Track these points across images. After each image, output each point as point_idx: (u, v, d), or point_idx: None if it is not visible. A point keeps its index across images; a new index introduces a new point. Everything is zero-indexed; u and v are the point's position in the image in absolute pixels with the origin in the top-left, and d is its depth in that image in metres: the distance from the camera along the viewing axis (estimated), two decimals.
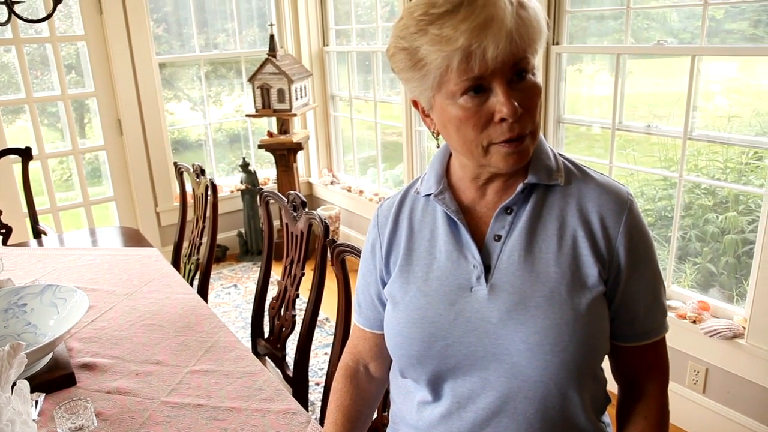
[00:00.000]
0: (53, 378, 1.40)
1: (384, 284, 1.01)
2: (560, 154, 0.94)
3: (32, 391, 1.27)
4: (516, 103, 0.79)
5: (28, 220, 2.86)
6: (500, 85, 0.79)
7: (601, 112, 2.84)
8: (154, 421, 1.29)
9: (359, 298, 1.09)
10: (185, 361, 1.51)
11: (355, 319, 1.11)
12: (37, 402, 1.30)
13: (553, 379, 0.84)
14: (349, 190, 4.24)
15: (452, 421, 0.91)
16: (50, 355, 1.47)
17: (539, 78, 0.83)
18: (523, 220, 0.89)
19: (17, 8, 1.57)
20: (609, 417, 1.02)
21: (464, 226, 0.91)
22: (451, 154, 0.97)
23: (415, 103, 0.90)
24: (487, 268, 0.89)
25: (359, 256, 1.48)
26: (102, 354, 1.55)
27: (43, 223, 2.88)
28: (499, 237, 0.90)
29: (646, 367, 0.97)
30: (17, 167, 3.05)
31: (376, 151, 4.09)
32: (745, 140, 2.27)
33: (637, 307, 0.91)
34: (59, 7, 2.07)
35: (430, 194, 0.95)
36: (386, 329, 0.98)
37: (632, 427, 0.97)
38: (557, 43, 2.59)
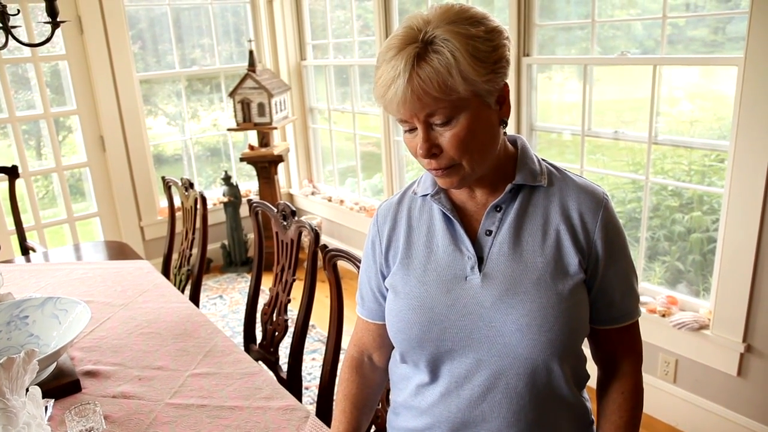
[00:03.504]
0: (60, 385, 1.46)
1: (384, 277, 1.11)
2: (543, 159, 1.06)
3: (41, 397, 1.33)
4: (429, 144, 0.92)
5: (13, 238, 2.90)
6: (419, 127, 0.92)
7: (572, 119, 2.96)
8: (160, 421, 1.36)
9: (362, 291, 1.18)
10: (186, 365, 1.58)
11: (359, 312, 1.20)
12: (47, 407, 1.36)
13: (541, 356, 0.95)
14: (329, 200, 4.33)
15: (450, 399, 1.02)
16: (55, 364, 1.53)
17: (467, 120, 0.91)
18: (511, 217, 1.00)
19: (15, 31, 1.64)
20: (587, 394, 1.13)
21: (459, 222, 1.02)
22: None
23: None
24: (480, 260, 1.00)
25: (350, 261, 1.58)
26: (104, 362, 1.61)
27: (29, 240, 2.91)
28: (490, 232, 1.01)
29: (622, 348, 1.08)
30: (2, 185, 3.07)
31: (355, 161, 4.19)
32: (707, 143, 2.41)
33: (614, 293, 1.03)
34: (40, 27, 2.12)
35: (426, 194, 1.06)
36: (388, 316, 1.07)
37: (610, 402, 1.09)
38: (527, 55, 2.73)
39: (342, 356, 3.17)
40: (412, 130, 0.94)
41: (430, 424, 1.05)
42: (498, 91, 0.93)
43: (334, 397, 1.22)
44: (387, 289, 1.10)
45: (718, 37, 2.45)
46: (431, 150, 0.92)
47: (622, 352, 1.09)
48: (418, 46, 0.87)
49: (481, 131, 0.92)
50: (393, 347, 1.19)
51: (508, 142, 1.04)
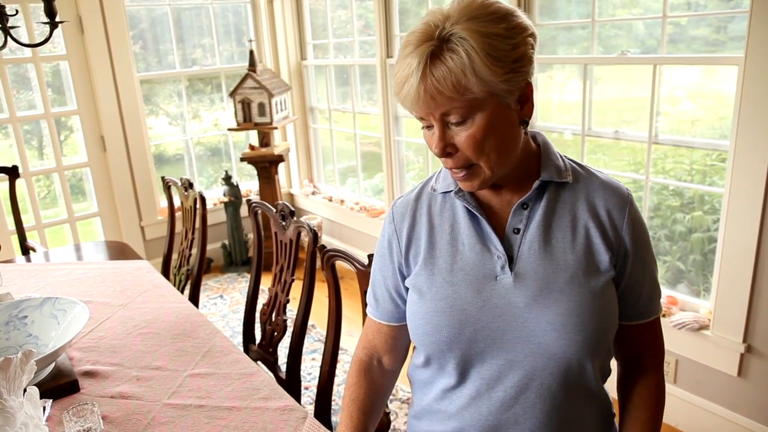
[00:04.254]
0: (58, 385, 1.46)
1: (403, 277, 1.08)
2: (564, 155, 1.04)
3: (39, 397, 1.33)
4: (444, 143, 0.90)
5: (14, 238, 2.90)
6: (435, 126, 0.91)
7: (572, 119, 2.96)
8: (158, 421, 1.36)
9: (375, 293, 1.15)
10: (184, 366, 1.58)
11: (371, 314, 1.16)
12: (45, 408, 1.36)
13: (576, 355, 0.94)
14: (330, 200, 4.32)
15: (481, 402, 0.99)
16: (53, 365, 1.53)
17: (483, 120, 0.88)
18: (540, 214, 0.98)
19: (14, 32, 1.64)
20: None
21: (485, 220, 0.99)
22: None
23: None
24: (509, 258, 0.98)
25: (349, 261, 1.58)
26: (102, 362, 1.61)
27: (29, 239, 2.91)
28: (518, 230, 0.99)
29: (646, 344, 1.08)
30: (2, 185, 3.08)
31: (355, 161, 4.19)
32: (708, 143, 2.41)
33: (641, 289, 1.03)
34: (41, 28, 2.13)
35: (448, 192, 1.04)
36: (412, 318, 1.04)
37: (635, 397, 1.08)
38: None
39: (341, 356, 3.18)
40: (430, 127, 0.92)
41: (458, 429, 1.03)
42: (519, 90, 0.90)
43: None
44: (406, 290, 1.07)
45: (720, 37, 2.45)
46: (446, 149, 0.91)
47: (645, 347, 1.08)
48: (434, 44, 0.85)
49: (498, 132, 0.90)
50: (405, 350, 1.18)
51: (529, 139, 1.02)
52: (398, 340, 1.14)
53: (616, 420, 1.12)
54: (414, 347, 1.15)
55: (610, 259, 0.97)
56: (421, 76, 0.85)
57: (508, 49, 0.85)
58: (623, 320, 1.04)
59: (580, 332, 0.93)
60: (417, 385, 1.13)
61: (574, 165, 1.03)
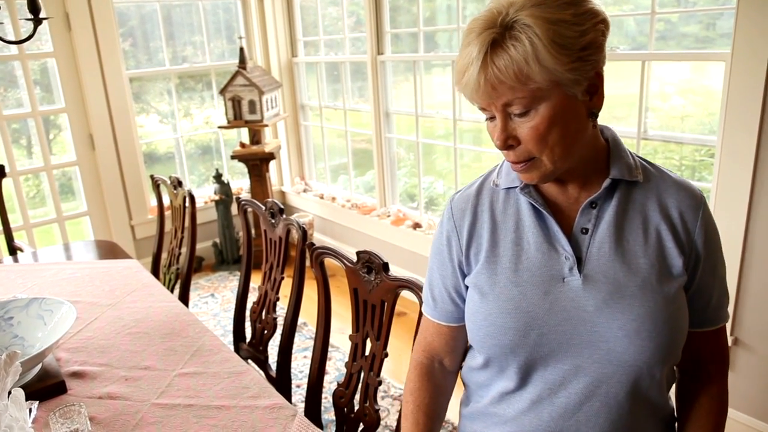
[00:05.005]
0: (45, 386, 1.45)
1: (464, 276, 1.04)
2: (635, 153, 0.99)
3: (25, 399, 1.32)
4: (505, 135, 0.87)
5: (1, 238, 2.87)
6: (497, 116, 0.87)
7: None
8: (146, 422, 1.35)
9: (433, 293, 1.09)
10: (173, 365, 1.57)
11: (429, 314, 1.11)
12: (31, 410, 1.35)
13: (647, 362, 0.90)
14: (321, 198, 4.32)
15: (542, 407, 0.95)
16: (40, 366, 1.52)
17: (547, 111, 0.85)
18: (610, 214, 0.93)
19: None
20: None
21: (553, 218, 0.95)
22: None
23: None
24: (578, 260, 0.93)
25: (338, 258, 1.57)
26: (90, 362, 1.60)
27: (17, 239, 2.89)
28: (586, 230, 0.94)
29: (711, 352, 1.04)
30: None
31: (346, 158, 4.18)
32: (696, 139, 2.41)
33: (710, 295, 0.99)
34: (28, 24, 2.10)
35: (512, 187, 0.99)
36: (473, 319, 1.00)
37: (698, 407, 1.04)
38: None
39: (332, 353, 3.17)
40: (492, 118, 0.89)
41: None
42: (587, 80, 0.85)
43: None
44: (466, 288, 1.03)
45: (710, 33, 2.45)
46: (507, 141, 0.87)
47: (710, 355, 1.04)
48: (496, 31, 0.81)
49: (563, 124, 0.85)
50: (464, 349, 1.14)
51: (598, 133, 0.97)
52: (458, 341, 1.10)
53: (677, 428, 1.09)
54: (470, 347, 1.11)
55: (683, 263, 0.93)
56: (481, 64, 0.81)
57: (576, 36, 0.81)
58: (690, 327, 0.99)
59: (653, 339, 0.89)
60: (472, 387, 1.10)
61: (644, 163, 0.98)
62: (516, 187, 0.98)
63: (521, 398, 0.98)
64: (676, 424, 1.07)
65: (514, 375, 0.97)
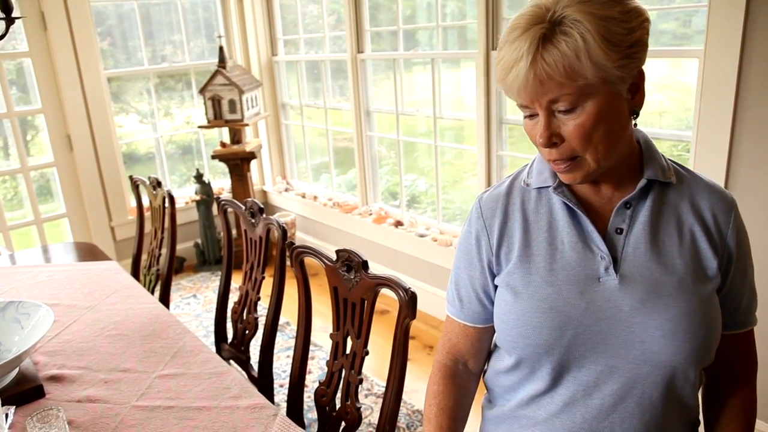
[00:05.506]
0: (22, 391, 1.43)
1: (493, 276, 1.03)
2: (666, 156, 0.99)
3: (2, 404, 1.30)
4: (549, 132, 0.86)
5: None
6: (540, 114, 0.86)
7: None
8: (126, 424, 1.34)
9: (460, 293, 1.08)
10: (153, 367, 1.56)
11: (455, 315, 1.10)
12: (7, 415, 1.33)
13: (683, 363, 0.90)
14: (303, 197, 4.31)
15: (576, 409, 0.94)
16: (17, 370, 1.50)
17: (594, 108, 0.84)
18: (645, 215, 0.94)
19: None
20: None
21: (587, 218, 0.94)
22: None
23: None
24: (613, 260, 0.93)
25: (318, 257, 1.57)
26: (69, 366, 1.58)
27: None
28: (621, 230, 0.94)
29: (740, 354, 1.04)
30: None
31: (328, 157, 4.17)
32: (674, 134, 2.44)
33: (741, 298, 0.99)
34: (2, 24, 2.07)
35: (544, 187, 0.99)
36: (504, 319, 0.98)
37: (728, 410, 1.05)
38: (496, 48, 2.73)
39: (315, 353, 3.16)
40: (533, 116, 0.88)
41: None
42: (631, 78, 0.85)
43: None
44: (495, 289, 1.02)
45: (687, 30, 2.49)
46: (552, 139, 0.86)
47: (740, 358, 1.04)
48: (545, 27, 0.81)
49: (608, 122, 0.85)
50: (488, 351, 1.12)
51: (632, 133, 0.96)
52: (484, 342, 1.09)
53: (701, 429, 1.08)
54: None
55: (718, 265, 0.93)
56: (531, 60, 0.81)
57: (624, 33, 0.81)
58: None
59: (690, 340, 0.89)
60: (498, 391, 1.08)
61: (675, 166, 0.98)
62: (549, 186, 0.98)
63: (553, 400, 0.97)
64: (702, 427, 1.07)
65: (546, 376, 0.96)
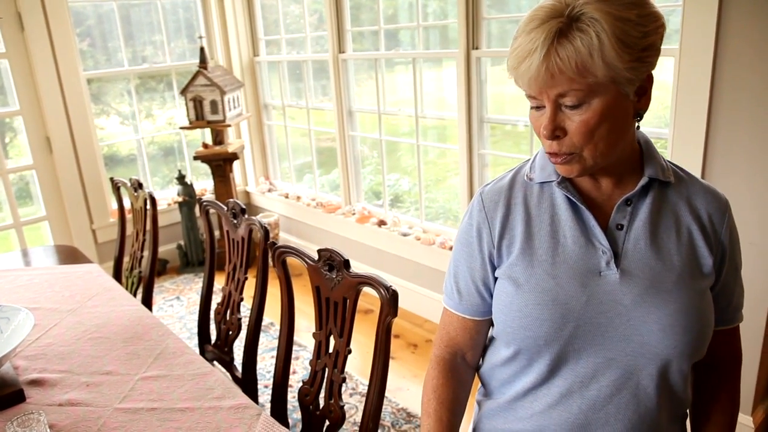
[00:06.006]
0: (2, 395, 1.42)
1: (493, 268, 1.03)
2: (663, 157, 1.01)
3: None
4: (554, 125, 0.88)
5: None
6: (547, 106, 0.88)
7: (525, 111, 3.02)
8: (109, 427, 1.34)
9: (459, 286, 1.08)
10: (136, 369, 1.56)
11: (453, 308, 1.10)
12: None
13: (678, 357, 0.93)
14: (286, 197, 4.30)
15: (572, 401, 0.96)
16: None
17: (600, 106, 0.86)
18: (644, 212, 0.96)
19: None
20: None
21: (590, 213, 0.96)
22: None
23: None
24: (614, 254, 0.95)
25: (300, 257, 1.58)
26: (50, 369, 1.57)
27: None
28: (621, 226, 0.96)
29: (727, 350, 1.08)
30: None
31: (311, 157, 4.17)
32: (652, 132, 2.48)
33: (732, 295, 1.03)
34: None
35: (548, 181, 1.00)
36: (505, 311, 1.00)
37: (714, 402, 1.09)
38: (476, 48, 2.76)
39: (299, 353, 3.16)
40: (540, 108, 0.90)
41: (543, 427, 1.00)
42: (640, 81, 0.87)
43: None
44: (495, 281, 1.04)
45: (666, 30, 2.52)
46: (555, 132, 0.88)
47: (726, 353, 1.08)
48: (563, 21, 0.82)
49: (612, 121, 0.87)
50: (484, 343, 1.13)
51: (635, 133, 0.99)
52: (482, 335, 1.10)
53: (690, 423, 1.12)
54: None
55: (713, 263, 0.97)
56: (545, 53, 0.82)
57: (639, 37, 0.82)
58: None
59: (686, 334, 0.92)
60: (493, 384, 1.10)
61: (673, 166, 1.01)
62: (552, 181, 1.00)
63: (549, 392, 0.99)
64: (688, 420, 1.11)
65: (543, 368, 0.98)
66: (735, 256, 1.02)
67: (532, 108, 0.92)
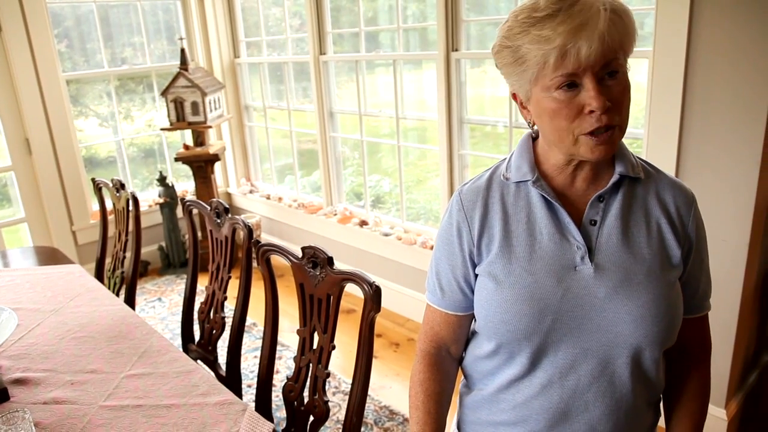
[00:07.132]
0: None
1: (474, 265, 1.07)
2: (633, 154, 1.05)
3: None
4: (604, 98, 0.90)
5: None
6: (591, 81, 0.89)
7: (503, 112, 3.07)
8: (94, 424, 1.35)
9: (441, 282, 1.12)
10: (120, 367, 1.57)
11: (436, 304, 1.13)
12: None
13: (650, 345, 0.98)
14: (268, 198, 4.31)
15: (552, 390, 1.01)
16: None
17: (627, 75, 0.93)
18: (616, 208, 1.01)
19: None
20: None
21: (564, 210, 1.00)
22: (535, 143, 1.07)
23: (515, 96, 1.02)
24: (588, 250, 0.99)
25: (284, 255, 1.60)
26: (34, 368, 1.58)
27: None
28: (595, 222, 1.01)
29: (697, 338, 1.12)
30: None
31: (292, 158, 4.18)
32: (629, 132, 2.53)
33: (699, 284, 1.08)
34: None
35: (523, 181, 1.04)
36: (486, 307, 1.03)
37: (685, 388, 1.14)
38: (456, 50, 2.80)
39: (282, 352, 3.17)
40: (571, 86, 0.91)
41: (525, 417, 1.04)
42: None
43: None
44: (475, 278, 1.07)
45: (640, 32, 2.59)
46: (606, 103, 0.90)
47: (696, 340, 1.12)
48: (606, 4, 0.88)
49: (630, 96, 0.94)
50: (467, 337, 1.17)
51: None
52: (464, 328, 1.14)
53: (663, 408, 1.16)
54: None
55: (681, 254, 1.01)
56: (608, 20, 0.87)
57: (634, 39, 0.93)
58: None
59: (657, 323, 0.96)
60: (476, 377, 1.13)
61: (642, 162, 1.06)
62: (527, 180, 1.03)
63: (531, 383, 1.02)
64: (661, 405, 1.16)
65: (524, 360, 1.02)
66: (701, 247, 1.07)
67: (561, 89, 0.92)
